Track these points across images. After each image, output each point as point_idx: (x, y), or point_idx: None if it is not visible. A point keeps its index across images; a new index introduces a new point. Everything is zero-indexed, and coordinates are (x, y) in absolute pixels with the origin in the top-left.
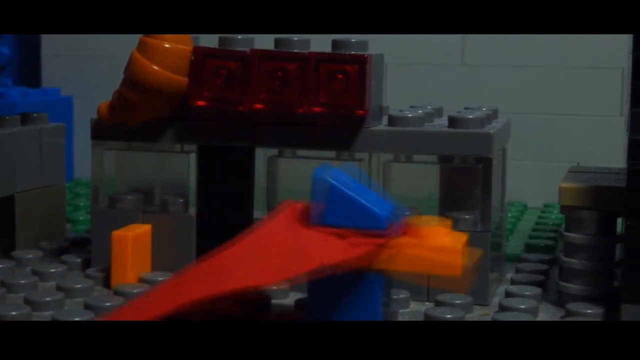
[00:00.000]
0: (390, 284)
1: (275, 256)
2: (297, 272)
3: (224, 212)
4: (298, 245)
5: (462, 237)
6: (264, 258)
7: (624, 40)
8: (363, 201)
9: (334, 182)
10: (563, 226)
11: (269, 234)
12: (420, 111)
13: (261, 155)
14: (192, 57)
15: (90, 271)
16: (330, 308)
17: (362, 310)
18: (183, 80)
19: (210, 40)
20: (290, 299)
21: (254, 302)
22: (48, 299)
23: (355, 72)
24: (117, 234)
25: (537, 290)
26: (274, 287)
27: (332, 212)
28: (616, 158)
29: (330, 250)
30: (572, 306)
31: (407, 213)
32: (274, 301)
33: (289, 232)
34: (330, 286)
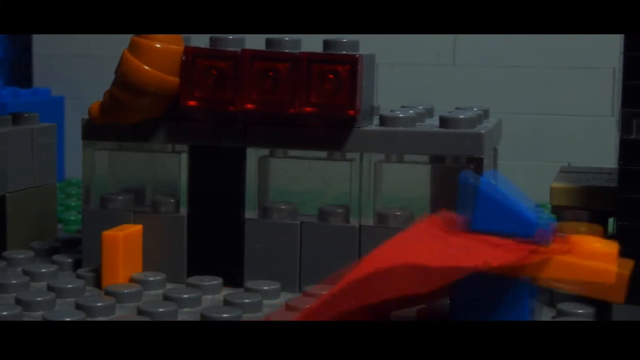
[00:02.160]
0: (535, 291)
1: (429, 263)
2: (453, 278)
3: (215, 212)
4: (450, 252)
5: (614, 245)
6: (416, 266)
7: (615, 41)
8: (513, 206)
9: (482, 187)
10: None
11: (414, 241)
12: (411, 111)
13: (252, 155)
14: (183, 57)
15: (81, 271)
16: (477, 313)
17: (510, 315)
18: (174, 80)
19: (201, 40)
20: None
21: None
22: (39, 299)
23: (347, 72)
24: (108, 234)
25: None
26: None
27: (481, 217)
28: (607, 158)
29: (483, 256)
30: (564, 306)
31: (554, 221)
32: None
33: (435, 240)
34: (477, 292)
